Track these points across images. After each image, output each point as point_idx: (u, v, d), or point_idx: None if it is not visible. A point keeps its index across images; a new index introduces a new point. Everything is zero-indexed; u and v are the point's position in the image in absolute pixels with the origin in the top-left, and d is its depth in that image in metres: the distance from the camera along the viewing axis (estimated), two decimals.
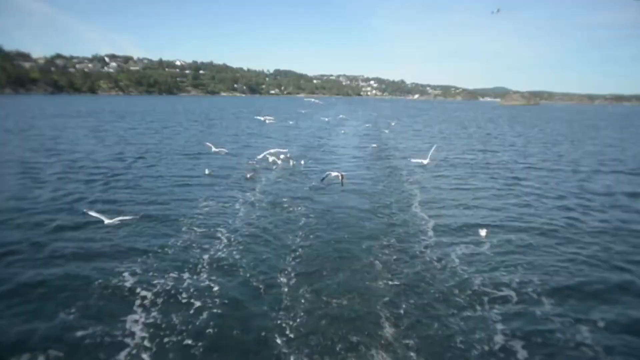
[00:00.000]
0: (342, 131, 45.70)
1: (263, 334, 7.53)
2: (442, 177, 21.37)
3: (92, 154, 26.14)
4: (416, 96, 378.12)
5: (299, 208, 14.89)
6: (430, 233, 12.65)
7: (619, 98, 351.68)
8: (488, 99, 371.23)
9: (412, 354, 7.04)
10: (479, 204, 16.29)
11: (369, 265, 10.41)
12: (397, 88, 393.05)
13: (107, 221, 12.35)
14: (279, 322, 7.86)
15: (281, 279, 9.54)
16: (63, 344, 7.15)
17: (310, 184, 18.50)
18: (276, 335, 7.46)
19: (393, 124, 55.54)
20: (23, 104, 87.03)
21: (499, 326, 7.83)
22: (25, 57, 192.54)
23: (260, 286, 9.17)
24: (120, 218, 12.65)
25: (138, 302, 8.48)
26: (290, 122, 54.16)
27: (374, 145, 34.04)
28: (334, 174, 16.11)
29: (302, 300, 8.62)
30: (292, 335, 7.48)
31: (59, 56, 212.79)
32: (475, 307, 8.46)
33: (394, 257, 10.91)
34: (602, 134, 52.86)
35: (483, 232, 12.51)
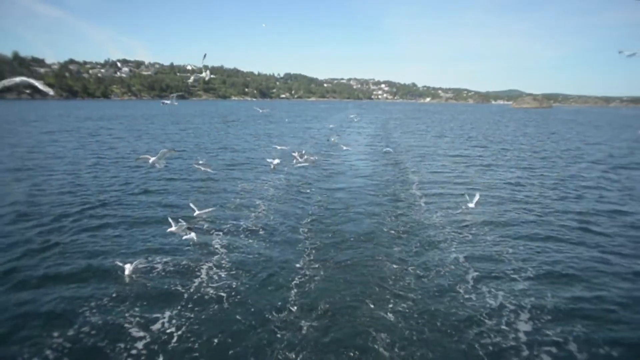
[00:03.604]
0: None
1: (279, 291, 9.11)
2: (436, 167, 25.57)
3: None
4: (427, 99, 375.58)
5: (313, 189, 18.47)
6: (423, 206, 16.03)
7: (636, 100, 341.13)
8: (500, 102, 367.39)
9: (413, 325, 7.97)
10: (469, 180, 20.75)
11: (372, 229, 13.29)
12: (408, 91, 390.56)
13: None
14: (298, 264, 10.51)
15: (299, 236, 12.51)
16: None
17: (321, 174, 22.05)
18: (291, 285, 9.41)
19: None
20: (48, 109, 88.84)
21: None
22: (40, 62, 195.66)
23: (285, 239, 12.17)
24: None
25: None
26: None
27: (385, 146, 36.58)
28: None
29: (314, 254, 11.20)
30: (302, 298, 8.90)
31: (72, 61, 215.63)
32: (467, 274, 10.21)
33: (394, 224, 13.82)
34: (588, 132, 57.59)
35: (472, 204, 14.80)
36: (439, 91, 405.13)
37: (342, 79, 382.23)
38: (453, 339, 7.37)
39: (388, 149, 22.98)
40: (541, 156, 31.18)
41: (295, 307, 8.27)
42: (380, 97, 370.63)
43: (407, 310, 8.24)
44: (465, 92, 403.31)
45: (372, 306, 8.45)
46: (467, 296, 8.86)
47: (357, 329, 7.63)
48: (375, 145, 35.52)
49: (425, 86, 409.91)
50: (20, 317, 7.74)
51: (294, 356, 6.82)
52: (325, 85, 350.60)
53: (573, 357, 6.99)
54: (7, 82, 8.89)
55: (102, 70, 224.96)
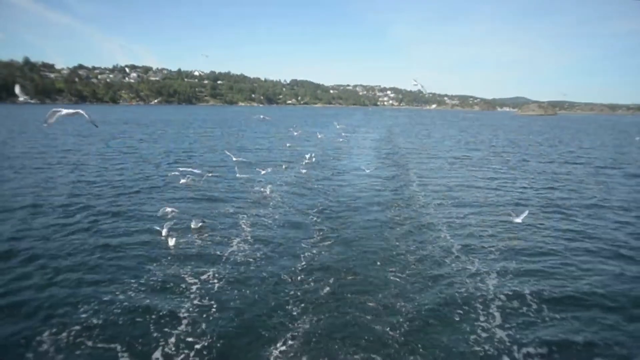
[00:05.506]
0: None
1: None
2: (431, 165, 28.45)
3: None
4: (433, 106, 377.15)
5: (320, 185, 20.67)
6: (422, 201, 17.74)
7: None
8: (506, 109, 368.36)
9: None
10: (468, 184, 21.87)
11: (374, 216, 15.17)
12: (414, 98, 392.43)
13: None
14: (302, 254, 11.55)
15: (310, 219, 14.61)
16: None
17: (326, 173, 24.52)
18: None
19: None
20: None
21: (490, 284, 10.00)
22: (50, 68, 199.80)
23: (298, 221, 14.31)
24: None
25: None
26: None
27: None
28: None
29: (324, 230, 13.37)
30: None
31: (81, 67, 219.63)
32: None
33: (394, 220, 14.93)
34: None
35: (518, 219, 13.67)
36: (445, 98, 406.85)
37: (348, 85, 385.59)
38: (440, 291, 9.27)
39: (368, 171, 24.40)
40: (530, 158, 33.96)
41: (305, 272, 10.20)
42: (386, 103, 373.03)
43: (404, 274, 10.13)
44: (471, 99, 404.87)
45: (376, 266, 10.47)
46: (452, 264, 10.75)
47: (359, 287, 9.52)
48: (375, 147, 37.47)
49: (431, 93, 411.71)
50: (97, 261, 10.48)
51: (303, 305, 8.64)
52: (331, 91, 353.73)
53: (527, 302, 8.94)
54: (66, 112, 10.87)
55: (111, 76, 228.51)
